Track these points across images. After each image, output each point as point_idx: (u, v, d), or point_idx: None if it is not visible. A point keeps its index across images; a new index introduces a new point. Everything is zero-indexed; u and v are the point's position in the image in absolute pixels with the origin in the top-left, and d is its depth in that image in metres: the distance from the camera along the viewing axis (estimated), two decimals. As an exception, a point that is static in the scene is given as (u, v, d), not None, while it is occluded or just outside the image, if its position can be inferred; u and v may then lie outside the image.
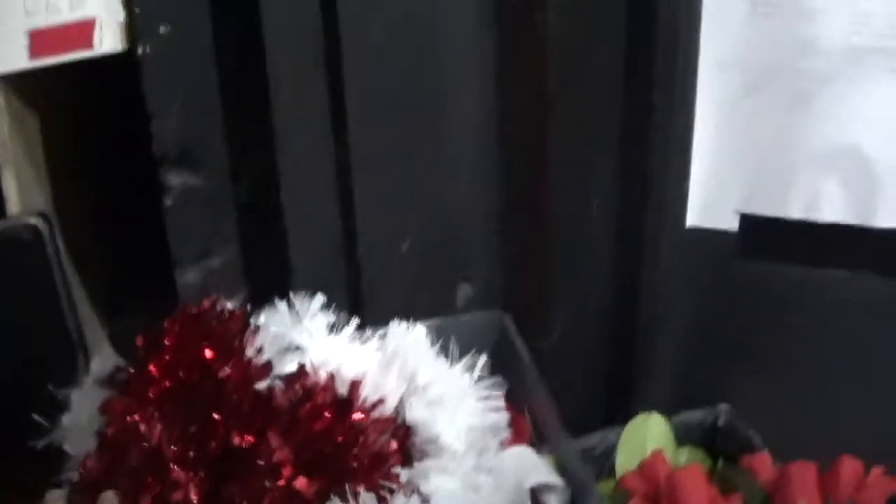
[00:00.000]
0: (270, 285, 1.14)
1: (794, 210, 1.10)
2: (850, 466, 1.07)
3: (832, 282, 1.15)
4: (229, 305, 0.90)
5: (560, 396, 1.05)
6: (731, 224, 1.12)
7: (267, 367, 0.85)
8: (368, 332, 0.96)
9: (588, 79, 1.10)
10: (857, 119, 1.05)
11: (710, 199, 1.12)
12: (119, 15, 1.09)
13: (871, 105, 1.04)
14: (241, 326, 0.87)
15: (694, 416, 1.19)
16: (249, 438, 0.80)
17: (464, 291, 1.20)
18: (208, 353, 0.84)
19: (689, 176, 1.11)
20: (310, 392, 0.83)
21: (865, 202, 1.08)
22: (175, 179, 1.15)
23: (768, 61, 1.04)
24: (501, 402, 0.95)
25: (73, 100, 1.31)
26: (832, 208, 1.09)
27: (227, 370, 0.83)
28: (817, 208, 1.09)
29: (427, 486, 0.85)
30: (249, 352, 0.85)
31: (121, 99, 1.18)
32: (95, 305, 1.32)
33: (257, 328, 0.88)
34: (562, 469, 1.00)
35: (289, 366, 0.87)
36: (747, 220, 1.12)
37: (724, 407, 1.19)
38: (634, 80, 1.08)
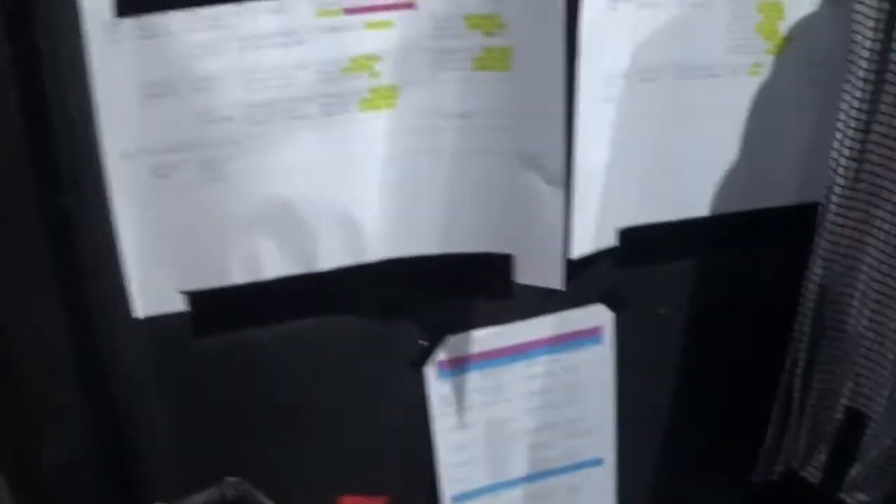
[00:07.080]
0: None
1: (237, 275, 1.09)
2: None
3: (299, 333, 1.16)
4: None
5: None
6: (179, 307, 1.09)
7: None
8: None
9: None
10: (274, 173, 1.06)
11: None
12: None
13: (285, 155, 1.05)
14: None
15: (201, 497, 1.14)
16: None
17: None
18: None
19: (123, 268, 1.05)
20: None
21: (304, 249, 1.09)
22: None
23: (172, 140, 1.02)
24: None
25: None
26: (274, 265, 1.09)
27: None
28: (259, 268, 1.09)
29: None
30: None
31: None
32: None
33: None
34: None
35: None
36: (195, 298, 1.09)
37: (231, 480, 1.14)
38: (43, 184, 1.00)
